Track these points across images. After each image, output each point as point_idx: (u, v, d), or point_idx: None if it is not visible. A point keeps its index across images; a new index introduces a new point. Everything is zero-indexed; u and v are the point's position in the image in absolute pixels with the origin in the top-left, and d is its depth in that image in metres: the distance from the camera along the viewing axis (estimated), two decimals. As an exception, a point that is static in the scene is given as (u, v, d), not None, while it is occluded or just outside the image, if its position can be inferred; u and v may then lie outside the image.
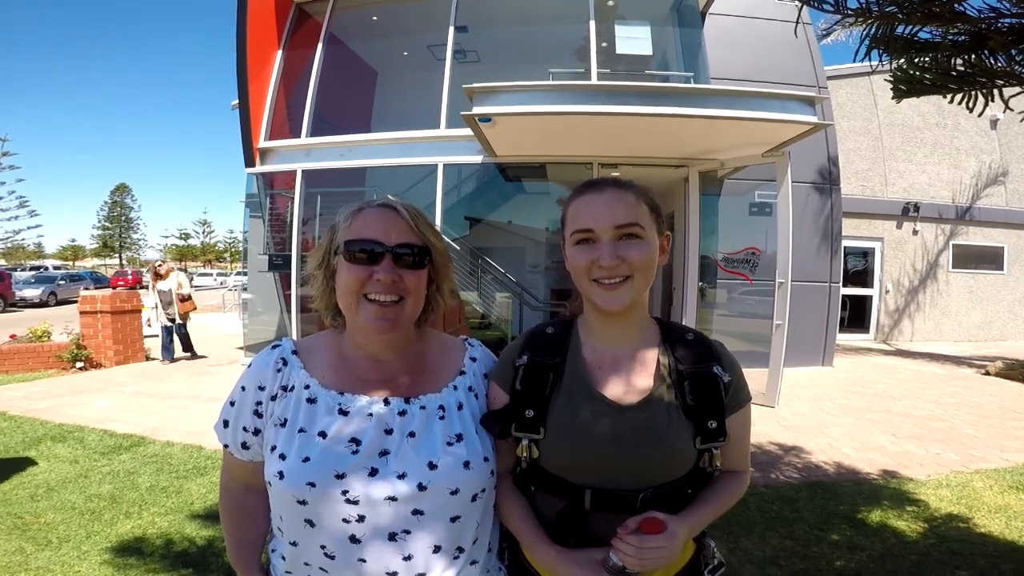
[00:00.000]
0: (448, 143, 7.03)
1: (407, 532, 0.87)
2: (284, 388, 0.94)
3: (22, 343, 7.32)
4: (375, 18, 8.61)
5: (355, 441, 0.88)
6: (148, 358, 8.06)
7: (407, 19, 8.55)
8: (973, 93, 1.87)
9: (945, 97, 1.98)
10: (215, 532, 2.77)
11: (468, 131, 6.19)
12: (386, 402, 0.93)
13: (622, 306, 0.92)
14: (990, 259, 11.47)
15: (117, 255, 59.59)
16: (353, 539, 0.86)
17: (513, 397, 0.97)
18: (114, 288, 11.57)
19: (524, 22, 8.18)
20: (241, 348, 8.44)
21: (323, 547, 0.87)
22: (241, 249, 60.40)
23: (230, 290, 18.26)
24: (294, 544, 0.90)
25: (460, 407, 0.97)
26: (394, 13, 8.52)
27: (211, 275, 39.20)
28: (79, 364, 7.12)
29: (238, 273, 33.73)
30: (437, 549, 0.89)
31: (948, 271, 11.28)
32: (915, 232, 11.12)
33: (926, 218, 11.05)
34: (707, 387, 0.93)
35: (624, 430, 0.90)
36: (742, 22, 7.66)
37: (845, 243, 8.69)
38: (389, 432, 0.90)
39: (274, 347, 0.99)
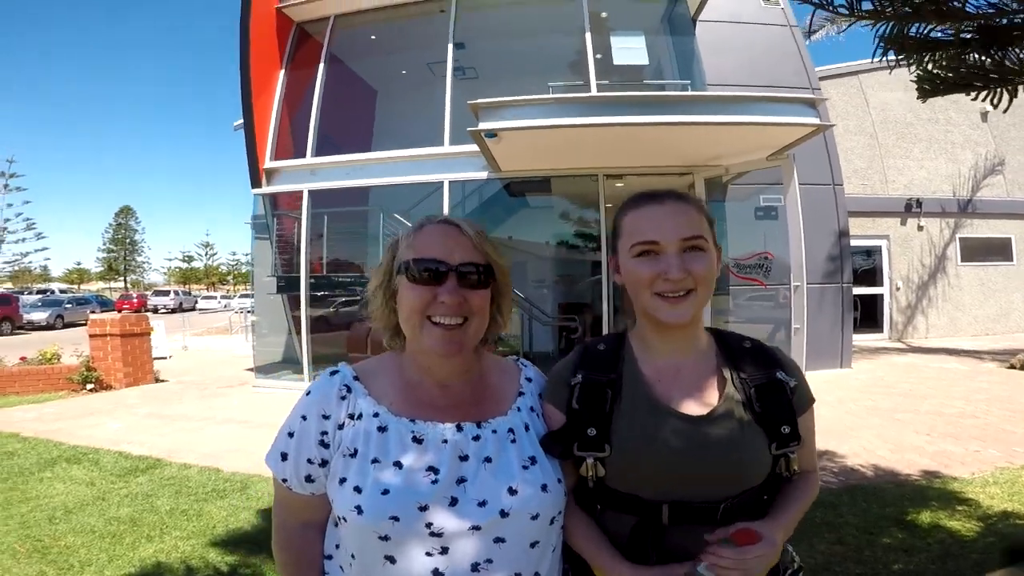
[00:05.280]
0: (453, 160, 7.06)
1: (489, 561, 0.83)
2: (351, 416, 0.90)
3: (32, 365, 7.38)
4: (373, 37, 8.71)
5: (433, 470, 0.85)
6: (157, 380, 8.06)
7: (405, 37, 8.64)
8: (998, 90, 1.86)
9: (969, 95, 1.98)
10: (238, 558, 2.74)
11: (472, 147, 6.24)
12: (459, 428, 0.90)
13: (687, 320, 0.91)
14: (998, 250, 11.39)
15: (122, 278, 59.81)
16: (436, 573, 0.82)
17: (571, 416, 0.95)
18: (119, 311, 11.66)
19: (519, 37, 8.25)
20: (250, 370, 8.44)
21: None
22: (243, 271, 60.98)
23: (236, 312, 18.29)
24: None
25: (527, 428, 0.96)
26: (392, 31, 8.60)
27: (215, 298, 39.17)
28: (89, 385, 7.14)
29: (242, 295, 33.84)
30: None
31: (957, 265, 11.20)
32: (920, 228, 11.07)
33: (929, 213, 11.00)
34: (775, 393, 0.93)
35: (699, 442, 0.89)
36: (731, 27, 7.70)
37: (851, 242, 8.68)
38: (464, 459, 0.88)
39: (332, 373, 0.95)
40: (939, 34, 1.96)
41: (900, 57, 2.02)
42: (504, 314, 1.01)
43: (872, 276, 11.25)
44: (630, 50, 7.17)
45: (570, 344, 7.83)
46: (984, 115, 11.38)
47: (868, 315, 11.26)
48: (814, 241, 7.56)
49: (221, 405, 6.44)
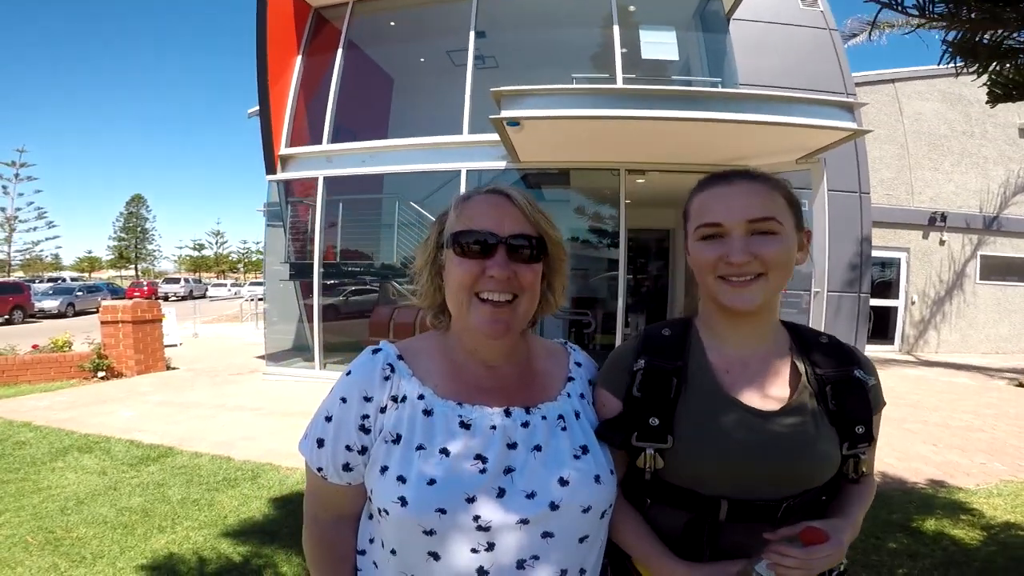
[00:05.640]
0: (471, 148, 6.97)
1: (535, 558, 0.77)
2: (394, 399, 0.82)
3: (44, 353, 7.31)
4: (392, 23, 8.61)
5: (480, 458, 0.78)
6: (169, 367, 8.02)
7: (425, 24, 8.53)
8: None
9: None
10: (251, 548, 2.66)
11: (492, 136, 6.17)
12: (507, 413, 0.83)
13: (753, 305, 0.85)
14: (1018, 270, 11.20)
15: (133, 266, 60.28)
16: (481, 571, 0.75)
17: (630, 404, 0.90)
18: (131, 299, 11.63)
19: (543, 27, 8.14)
20: (261, 357, 8.38)
21: None
22: (255, 259, 61.38)
23: (247, 300, 18.30)
24: None
25: (577, 416, 0.88)
26: (411, 18, 8.49)
27: (225, 285, 39.40)
28: (101, 373, 7.09)
29: (252, 283, 33.97)
30: (563, 573, 0.79)
31: (976, 282, 11.03)
32: (942, 242, 10.89)
33: (953, 228, 10.82)
34: (851, 391, 0.89)
35: (769, 438, 0.85)
36: (768, 28, 7.59)
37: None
38: (512, 446, 0.80)
39: (375, 351, 0.87)
40: (1012, 42, 1.89)
41: (967, 63, 1.96)
42: (556, 293, 0.93)
43: (887, 288, 11.10)
44: (659, 44, 7.04)
45: (580, 338, 7.78)
46: (1022, 131, 11.14)
47: (880, 327, 11.11)
48: (836, 249, 7.42)
49: (232, 393, 6.38)
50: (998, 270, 11.11)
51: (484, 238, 0.81)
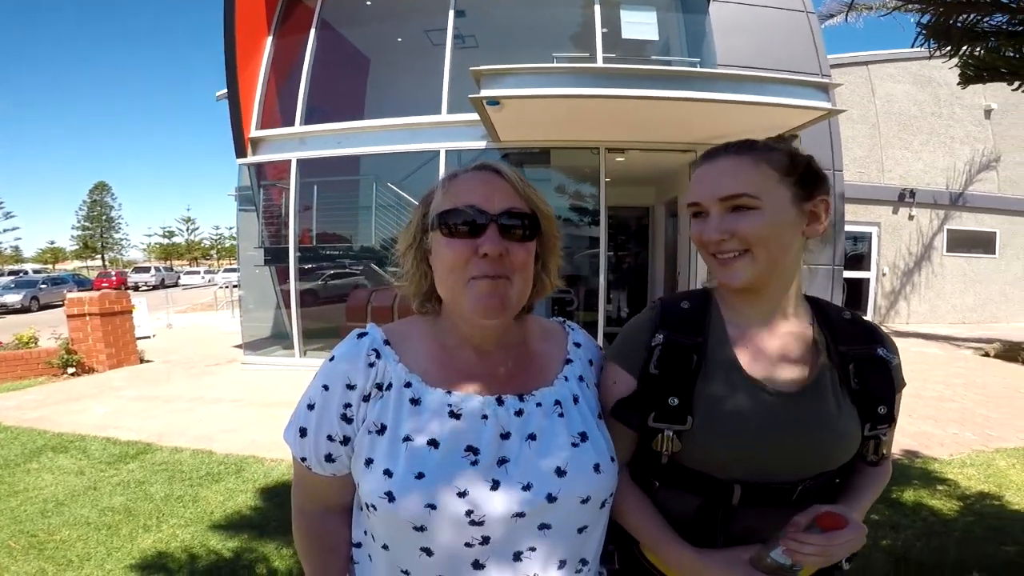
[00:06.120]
0: (450, 128, 6.87)
1: (532, 550, 0.74)
2: (379, 386, 0.78)
3: (8, 350, 6.99)
4: (369, 2, 8.36)
5: (472, 450, 0.74)
6: (142, 360, 7.80)
7: (402, 3, 8.30)
8: None
9: (1010, 84, 1.98)
10: (241, 543, 2.63)
11: (471, 116, 6.07)
12: (499, 401, 0.78)
13: (740, 282, 0.83)
14: (983, 243, 11.66)
15: (99, 256, 58.29)
16: (476, 565, 0.72)
17: (646, 382, 0.85)
18: (98, 290, 11.20)
19: (523, 6, 7.99)
20: (238, 346, 8.23)
21: None
22: (228, 245, 59.90)
23: (222, 287, 17.87)
24: (405, 573, 0.75)
25: (576, 401, 0.84)
26: (389, -4, 8.28)
27: (198, 273, 38.30)
28: (71, 370, 6.84)
29: (227, 270, 33.14)
30: (562, 564, 0.77)
31: (943, 255, 11.45)
32: (911, 217, 11.25)
33: (921, 204, 11.17)
34: (875, 370, 0.86)
35: (791, 420, 0.82)
36: (746, 9, 7.56)
37: (844, 227, 8.74)
38: (506, 436, 0.76)
39: (360, 335, 0.82)
40: (984, 25, 1.95)
41: (940, 46, 2.01)
42: (551, 274, 0.87)
43: (860, 261, 11.48)
44: (640, 25, 7.00)
45: (563, 316, 7.80)
46: (988, 112, 11.52)
47: (852, 298, 11.46)
48: (811, 224, 7.54)
49: (210, 384, 6.25)
50: (963, 243, 11.55)
51: (473, 217, 0.75)
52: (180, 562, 2.47)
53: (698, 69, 6.28)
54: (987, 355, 7.58)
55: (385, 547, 0.76)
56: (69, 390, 6.08)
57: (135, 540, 2.67)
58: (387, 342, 0.82)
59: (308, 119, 7.43)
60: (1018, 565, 2.38)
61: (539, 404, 0.80)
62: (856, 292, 11.44)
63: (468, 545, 0.72)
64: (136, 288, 29.10)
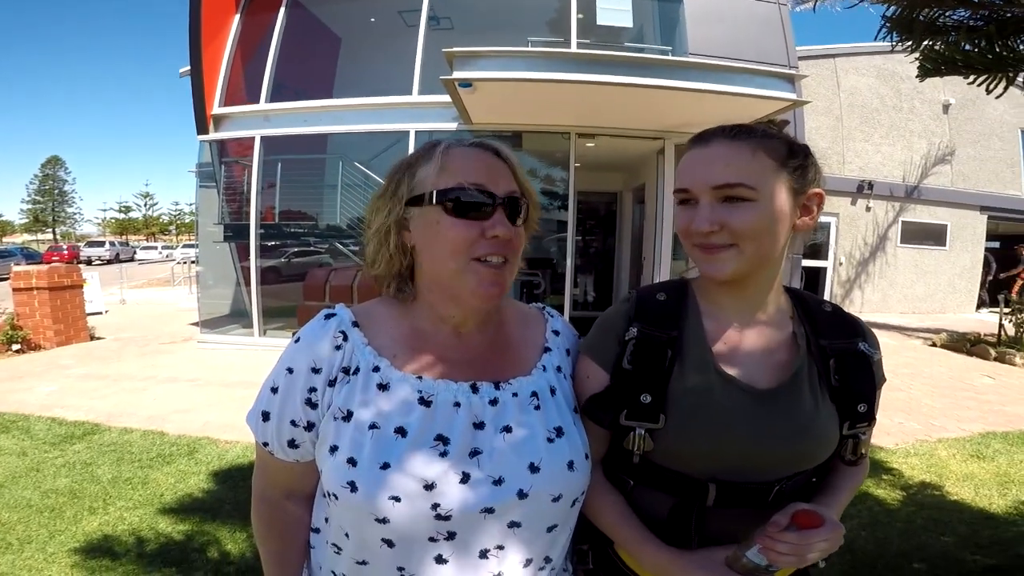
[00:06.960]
0: (421, 109, 6.76)
1: (500, 548, 0.72)
2: (346, 371, 0.74)
3: (-52, 326, 6.64)
4: (341, -19, 8.09)
5: (442, 439, 0.71)
6: (93, 337, 7.49)
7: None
8: (998, 76, 1.90)
9: (967, 78, 2.02)
10: (192, 526, 2.58)
11: (442, 97, 5.99)
12: (474, 388, 0.76)
13: (724, 275, 0.78)
14: (934, 235, 12.09)
15: (51, 230, 55.55)
16: (440, 559, 0.71)
17: (619, 377, 0.81)
18: (48, 263, 10.65)
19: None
20: (195, 324, 7.98)
21: (401, 569, 0.72)
22: (187, 221, 57.84)
23: (179, 263, 17.24)
24: (363, 563, 0.74)
25: (553, 392, 0.81)
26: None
27: (156, 248, 36.93)
28: (15, 346, 6.52)
29: (185, 245, 32.03)
30: (528, 563, 0.75)
31: (896, 246, 11.85)
32: (868, 209, 11.58)
33: (878, 196, 11.50)
34: (856, 366, 0.83)
35: (767, 419, 0.79)
36: (718, -1, 7.57)
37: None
38: (479, 426, 0.74)
39: (328, 316, 0.78)
40: (946, 20, 1.99)
41: (903, 39, 2.05)
42: (519, 256, 0.84)
43: (818, 251, 11.82)
44: (615, 11, 6.98)
45: (531, 300, 7.86)
46: (946, 107, 11.86)
47: (810, 285, 11.79)
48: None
49: (164, 363, 6.04)
50: (916, 235, 11.95)
51: (482, 198, 0.73)
52: (127, 545, 2.40)
53: (669, 57, 6.30)
54: (934, 345, 7.82)
55: (346, 535, 0.74)
56: (13, 368, 5.79)
57: (79, 523, 2.59)
58: (356, 324, 0.78)
59: (274, 97, 7.25)
60: (955, 557, 2.42)
61: (515, 394, 0.78)
62: (813, 281, 11.81)
63: (432, 540, 0.70)
64: (89, 262, 27.83)
